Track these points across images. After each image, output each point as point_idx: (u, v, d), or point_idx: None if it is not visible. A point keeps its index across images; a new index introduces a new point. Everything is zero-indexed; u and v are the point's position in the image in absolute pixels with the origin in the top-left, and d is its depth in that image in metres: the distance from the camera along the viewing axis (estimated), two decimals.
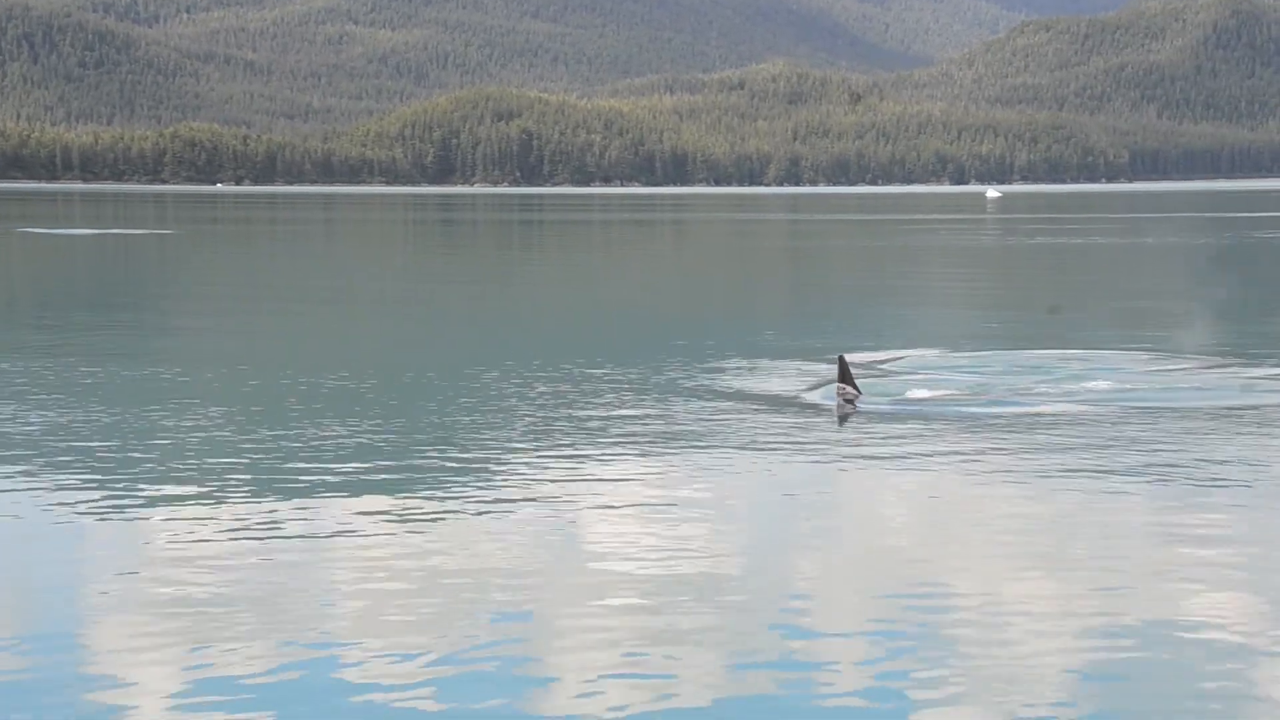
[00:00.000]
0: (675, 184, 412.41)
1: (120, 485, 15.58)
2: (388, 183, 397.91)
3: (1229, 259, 67.88)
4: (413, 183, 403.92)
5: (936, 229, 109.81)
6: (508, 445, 17.93)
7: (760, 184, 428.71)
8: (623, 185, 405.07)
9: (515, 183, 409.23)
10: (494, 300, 43.93)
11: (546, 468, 16.50)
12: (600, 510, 14.45)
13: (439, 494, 15.29)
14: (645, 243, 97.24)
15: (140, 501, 14.90)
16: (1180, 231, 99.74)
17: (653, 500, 14.94)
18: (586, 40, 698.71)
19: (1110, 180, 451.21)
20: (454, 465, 16.73)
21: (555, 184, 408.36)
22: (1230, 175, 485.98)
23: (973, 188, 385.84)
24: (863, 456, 17.21)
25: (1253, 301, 43.90)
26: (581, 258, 76.52)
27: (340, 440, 18.21)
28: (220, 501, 14.83)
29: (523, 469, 16.49)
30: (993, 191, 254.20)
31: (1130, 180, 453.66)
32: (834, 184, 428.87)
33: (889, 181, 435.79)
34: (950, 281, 54.83)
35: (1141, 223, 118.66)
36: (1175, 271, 60.93)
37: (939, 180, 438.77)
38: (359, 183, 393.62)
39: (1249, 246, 78.40)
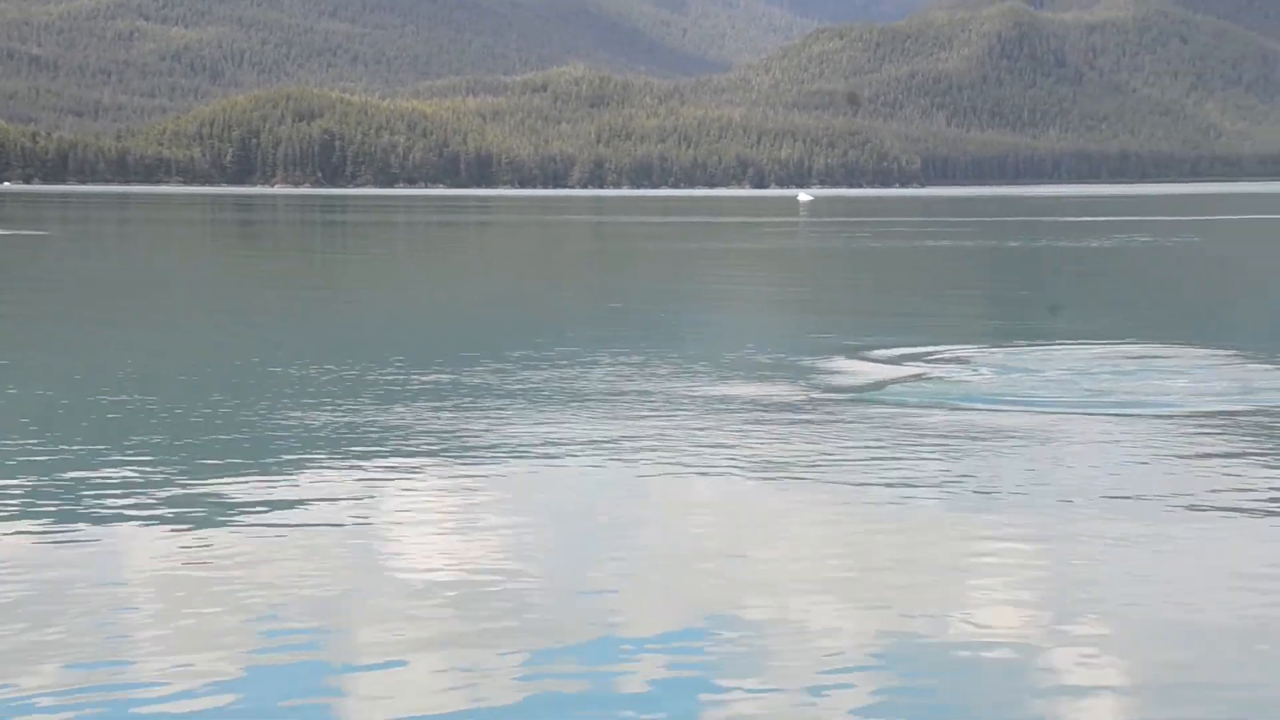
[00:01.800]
0: (480, 185, 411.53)
1: None
2: (185, 182, 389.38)
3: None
4: (211, 183, 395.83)
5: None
6: (308, 454, 17.40)
7: (565, 186, 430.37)
8: (427, 187, 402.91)
9: (317, 183, 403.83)
10: (294, 305, 42.65)
11: (350, 478, 16.05)
12: (402, 521, 14.15)
13: (234, 507, 14.74)
14: (460, 244, 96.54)
15: None
16: (1007, 235, 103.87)
17: (457, 509, 14.66)
18: (386, 41, 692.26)
19: (904, 185, 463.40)
20: (246, 472, 16.30)
21: (358, 185, 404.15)
22: (1015, 181, 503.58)
23: (776, 191, 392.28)
24: (669, 461, 17.07)
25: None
26: (390, 260, 74.33)
27: (147, 453, 17.49)
28: (13, 518, 14.25)
29: (327, 479, 16.01)
30: (804, 195, 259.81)
31: (923, 185, 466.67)
32: (637, 186, 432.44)
33: (691, 184, 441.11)
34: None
35: (952, 225, 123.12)
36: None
37: (740, 184, 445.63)
38: (155, 182, 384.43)
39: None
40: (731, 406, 20.80)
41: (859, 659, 10.03)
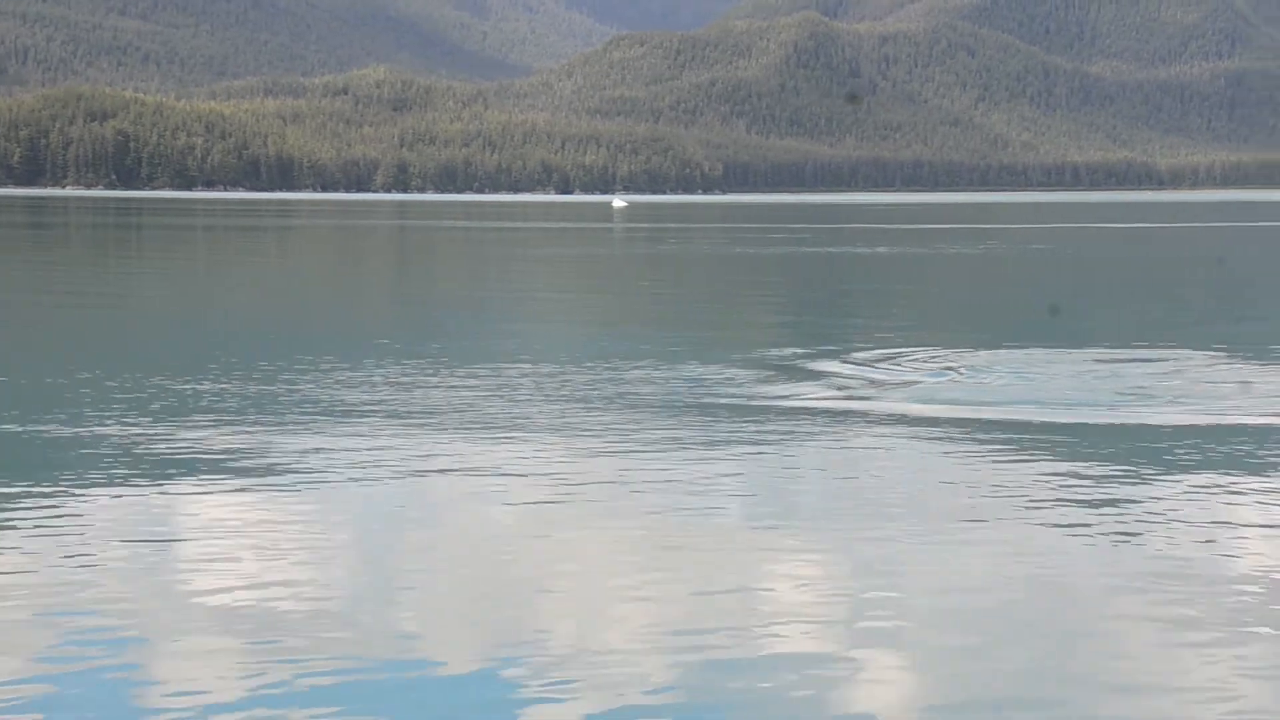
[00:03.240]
0: (281, 189, 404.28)
1: None
2: None
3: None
4: None
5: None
6: (98, 470, 16.78)
7: (368, 190, 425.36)
8: (226, 190, 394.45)
9: (111, 185, 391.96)
10: (83, 314, 41.28)
11: (144, 496, 15.57)
12: (202, 541, 13.80)
13: (19, 527, 14.24)
14: (262, 250, 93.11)
15: None
16: (842, 242, 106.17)
17: (259, 529, 14.30)
18: (179, 40, 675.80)
19: (707, 191, 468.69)
20: (35, 489, 15.80)
21: (155, 188, 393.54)
22: (813, 188, 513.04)
23: (590, 197, 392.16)
24: (475, 477, 16.82)
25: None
26: (189, 267, 71.07)
27: None
28: None
29: (119, 497, 15.50)
30: (619, 201, 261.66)
31: (725, 191, 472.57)
32: (442, 191, 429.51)
33: (496, 189, 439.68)
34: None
35: (788, 231, 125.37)
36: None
37: (545, 189, 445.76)
38: None
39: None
40: (539, 422, 20.29)
41: (659, 664, 10.11)
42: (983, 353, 28.54)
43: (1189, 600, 11.74)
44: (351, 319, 41.51)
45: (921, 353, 28.28)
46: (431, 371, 25.67)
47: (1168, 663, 10.28)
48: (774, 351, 28.65)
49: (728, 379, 24.35)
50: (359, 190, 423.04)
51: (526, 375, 25.13)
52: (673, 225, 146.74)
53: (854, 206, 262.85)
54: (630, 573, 12.67)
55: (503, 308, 44.95)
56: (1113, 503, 15.47)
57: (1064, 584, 12.30)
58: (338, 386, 23.55)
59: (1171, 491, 16.01)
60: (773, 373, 25.27)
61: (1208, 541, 13.80)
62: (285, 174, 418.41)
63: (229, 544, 13.58)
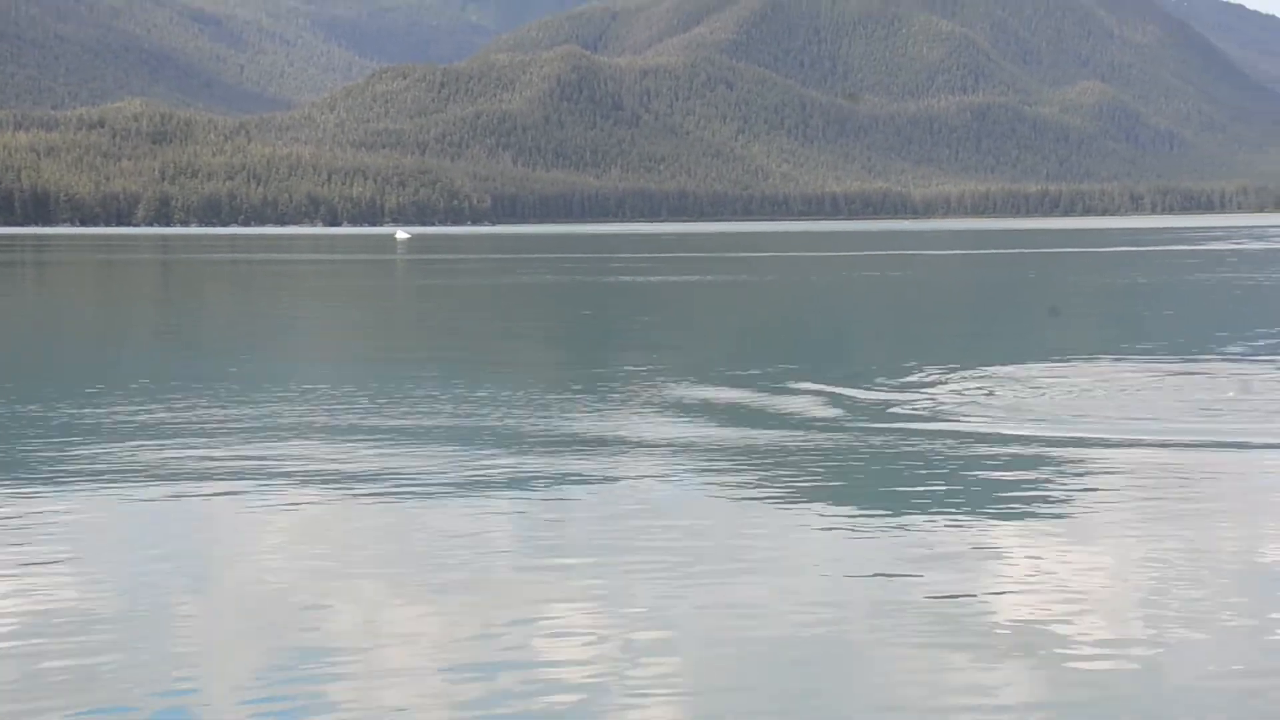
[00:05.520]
0: (37, 224, 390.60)
1: None
2: None
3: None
4: None
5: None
6: None
7: (129, 224, 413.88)
8: None
9: None
10: None
11: None
12: None
13: None
14: (13, 287, 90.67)
15: None
16: (636, 271, 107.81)
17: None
18: None
19: (475, 223, 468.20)
20: None
21: None
22: (581, 219, 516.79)
23: (351, 229, 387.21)
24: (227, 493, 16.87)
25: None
26: None
27: None
28: None
29: None
30: (402, 233, 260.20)
31: (494, 223, 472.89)
32: (206, 224, 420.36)
33: (262, 223, 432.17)
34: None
35: (578, 260, 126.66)
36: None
37: (313, 222, 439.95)
38: None
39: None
40: (324, 460, 19.81)
41: (436, 697, 10.27)
42: (769, 372, 28.58)
43: (952, 631, 11.65)
44: (116, 360, 38.30)
45: (708, 377, 28.13)
46: (201, 411, 24.39)
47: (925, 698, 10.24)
48: (577, 384, 28.19)
49: (516, 411, 24.03)
50: (119, 224, 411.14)
51: (325, 410, 24.33)
52: (460, 256, 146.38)
53: (645, 237, 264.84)
54: (405, 613, 12.45)
55: (288, 344, 43.01)
56: (893, 528, 15.49)
57: (839, 616, 12.21)
58: (95, 433, 22.08)
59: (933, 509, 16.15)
60: (568, 404, 24.92)
61: (969, 572, 13.65)
62: (41, 208, 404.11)
63: None
